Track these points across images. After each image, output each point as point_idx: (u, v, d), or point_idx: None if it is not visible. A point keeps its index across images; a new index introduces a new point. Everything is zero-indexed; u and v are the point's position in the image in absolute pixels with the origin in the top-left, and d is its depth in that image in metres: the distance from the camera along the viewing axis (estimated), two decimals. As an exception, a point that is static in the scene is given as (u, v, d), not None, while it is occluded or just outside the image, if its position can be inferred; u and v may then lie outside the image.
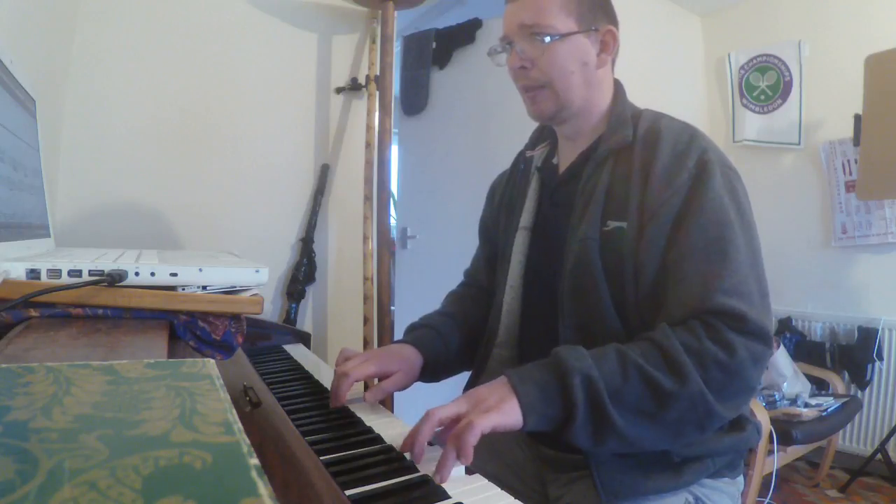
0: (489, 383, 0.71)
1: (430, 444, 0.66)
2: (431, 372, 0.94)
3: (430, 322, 1.00)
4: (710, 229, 0.75)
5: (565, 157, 0.96)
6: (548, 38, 0.84)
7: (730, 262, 0.73)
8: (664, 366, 0.69)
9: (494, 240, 1.06)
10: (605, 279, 0.80)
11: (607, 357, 0.70)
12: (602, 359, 0.70)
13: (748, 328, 0.70)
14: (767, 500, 2.04)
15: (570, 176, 0.92)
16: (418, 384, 0.94)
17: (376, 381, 0.89)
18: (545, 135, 1.03)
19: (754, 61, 2.92)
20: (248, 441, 0.27)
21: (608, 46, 0.88)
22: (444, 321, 1.00)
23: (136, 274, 0.61)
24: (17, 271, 0.57)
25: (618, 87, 0.93)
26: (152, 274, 0.62)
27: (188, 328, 0.64)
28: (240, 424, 0.29)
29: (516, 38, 0.86)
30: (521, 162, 1.04)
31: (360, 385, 0.89)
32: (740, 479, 0.86)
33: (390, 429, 0.73)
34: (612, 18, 0.90)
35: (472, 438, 0.61)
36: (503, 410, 0.66)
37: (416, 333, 0.96)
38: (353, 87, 1.98)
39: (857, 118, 2.32)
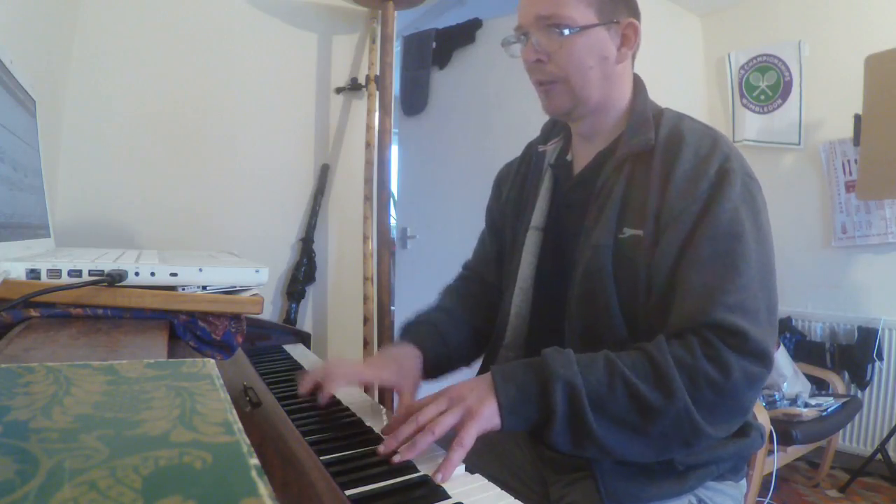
0: (470, 379, 0.71)
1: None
2: (431, 372, 0.92)
3: (429, 319, 0.96)
4: (722, 241, 0.72)
5: (581, 156, 0.92)
6: (566, 31, 0.79)
7: (739, 276, 0.70)
8: (652, 379, 0.67)
9: (502, 235, 1.03)
10: (615, 287, 0.78)
11: (595, 365, 0.69)
12: (589, 366, 0.69)
13: (748, 347, 0.68)
14: (767, 500, 2.04)
15: (585, 177, 0.88)
16: (420, 388, 0.92)
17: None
18: (558, 129, 0.99)
19: (754, 61, 2.92)
20: (248, 441, 0.27)
21: (629, 40, 0.84)
22: (442, 318, 0.97)
23: (136, 274, 0.61)
24: (17, 271, 0.57)
25: (638, 84, 0.89)
26: (152, 274, 0.62)
27: (188, 328, 0.64)
28: (240, 424, 0.29)
29: (532, 30, 0.82)
30: (532, 155, 1.00)
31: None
32: (743, 481, 0.85)
33: (390, 429, 0.73)
34: (633, 10, 0.85)
35: (459, 458, 0.63)
36: (483, 415, 0.66)
37: (417, 331, 0.94)
38: (353, 87, 1.98)
39: (857, 118, 2.32)
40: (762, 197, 0.78)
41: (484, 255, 1.08)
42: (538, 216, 0.93)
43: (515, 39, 0.86)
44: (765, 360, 0.69)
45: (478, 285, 1.06)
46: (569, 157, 0.94)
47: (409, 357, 0.89)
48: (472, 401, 0.67)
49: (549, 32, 0.81)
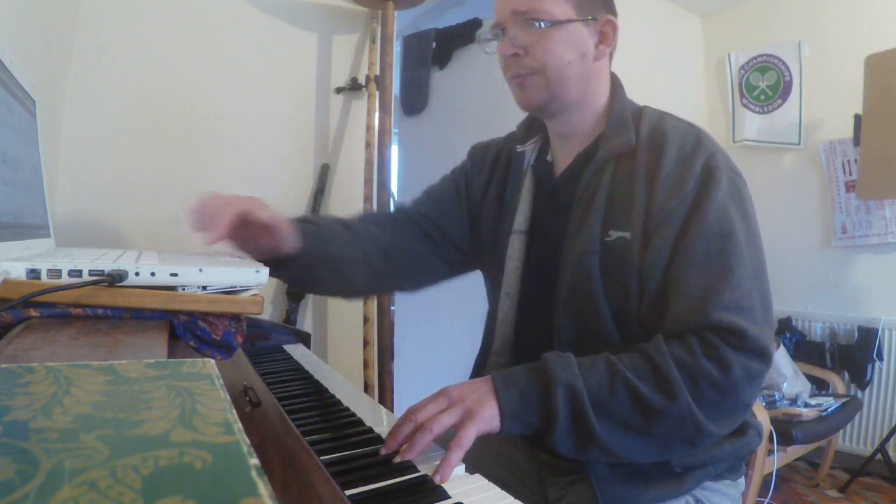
0: (471, 381, 0.71)
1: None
2: (295, 266, 0.83)
3: (315, 219, 0.89)
4: (714, 240, 0.72)
5: (560, 157, 0.91)
6: (543, 24, 0.79)
7: (732, 275, 0.70)
8: (654, 381, 0.68)
9: (469, 210, 0.99)
10: (604, 294, 0.77)
11: (596, 368, 0.69)
12: (591, 369, 0.69)
13: (747, 345, 0.68)
14: (767, 500, 2.04)
15: (567, 178, 0.87)
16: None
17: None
18: (535, 128, 0.97)
19: (754, 61, 2.92)
20: (248, 441, 0.27)
21: (607, 37, 0.83)
22: (333, 225, 0.89)
23: (137, 274, 0.61)
24: (17, 271, 0.57)
25: (615, 83, 0.88)
26: (152, 274, 0.62)
27: (188, 328, 0.64)
28: (240, 424, 0.29)
29: (509, 25, 0.81)
30: (512, 154, 0.98)
31: (365, 381, 0.89)
32: (741, 480, 0.86)
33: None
34: (611, 8, 0.85)
35: (457, 459, 0.63)
36: (482, 417, 0.66)
37: (297, 223, 0.86)
38: (353, 87, 1.98)
39: (857, 118, 2.32)
40: (748, 192, 0.78)
41: (436, 202, 1.01)
42: (521, 220, 0.91)
43: (492, 37, 0.85)
44: (764, 356, 0.70)
45: (396, 225, 0.97)
46: (549, 158, 0.93)
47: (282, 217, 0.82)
48: (472, 402, 0.67)
49: (526, 26, 0.80)
